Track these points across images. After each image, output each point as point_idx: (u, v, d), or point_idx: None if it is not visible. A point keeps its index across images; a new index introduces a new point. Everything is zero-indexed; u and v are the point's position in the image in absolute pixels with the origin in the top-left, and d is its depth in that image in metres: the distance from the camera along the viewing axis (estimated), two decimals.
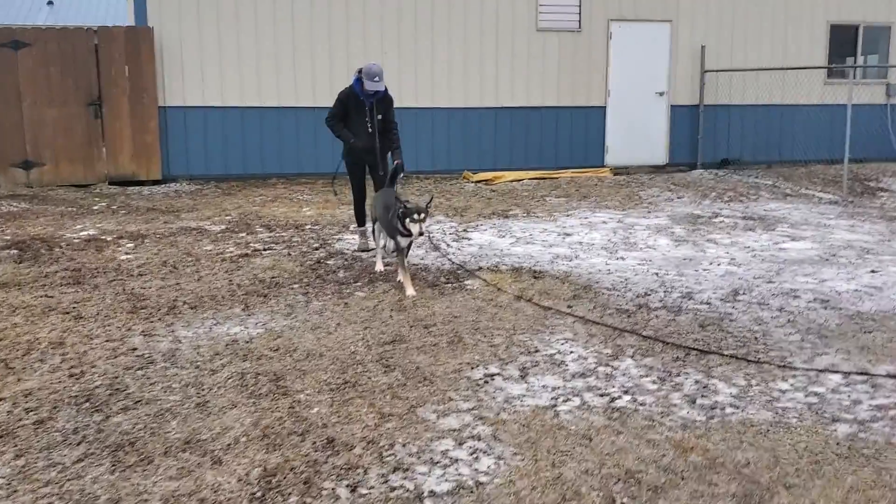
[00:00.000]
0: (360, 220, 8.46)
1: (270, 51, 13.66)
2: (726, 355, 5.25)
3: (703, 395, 4.61)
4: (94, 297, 6.75)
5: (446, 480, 3.64)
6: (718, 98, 15.61)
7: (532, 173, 14.19)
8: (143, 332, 5.89)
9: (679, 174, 15.10)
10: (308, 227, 9.94)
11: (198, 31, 13.34)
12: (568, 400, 4.55)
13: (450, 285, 7.09)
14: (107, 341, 5.62)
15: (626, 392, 4.66)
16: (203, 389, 4.73)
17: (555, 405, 4.48)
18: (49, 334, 5.72)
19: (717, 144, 15.85)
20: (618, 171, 14.97)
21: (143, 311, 6.42)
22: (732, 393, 4.65)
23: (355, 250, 8.34)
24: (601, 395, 4.62)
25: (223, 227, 9.91)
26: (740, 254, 8.42)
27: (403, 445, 3.98)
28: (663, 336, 5.66)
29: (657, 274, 7.53)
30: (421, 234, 6.57)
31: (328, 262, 8.07)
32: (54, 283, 7.20)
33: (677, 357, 5.25)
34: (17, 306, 6.42)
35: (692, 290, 6.94)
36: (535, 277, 7.42)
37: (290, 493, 3.54)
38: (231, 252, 8.53)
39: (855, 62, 16.65)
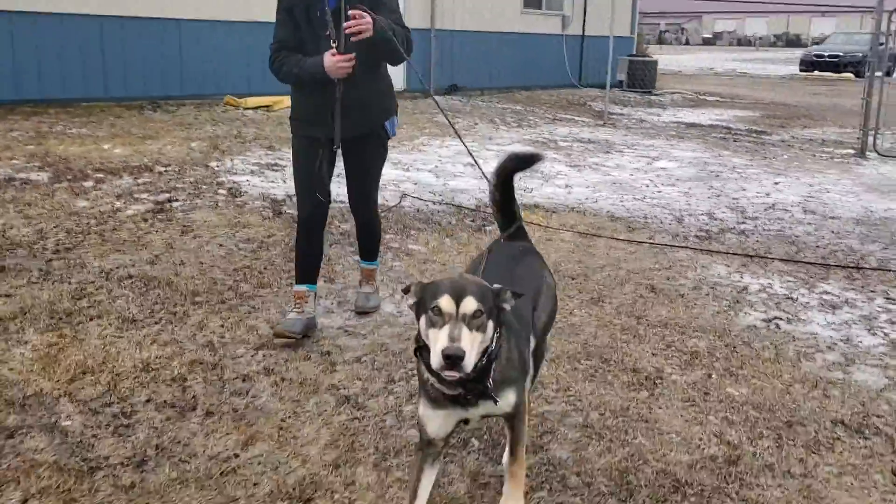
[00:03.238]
0: (302, 271, 4.07)
1: None
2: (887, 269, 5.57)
3: None
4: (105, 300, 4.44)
5: None
6: (445, 23, 15.72)
7: None
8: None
9: (425, 100, 14.96)
10: (159, 170, 7.71)
11: None
12: None
13: (472, 227, 6.24)
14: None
15: None
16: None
17: None
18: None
19: (444, 71, 16.02)
20: None
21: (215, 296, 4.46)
22: None
23: (273, 332, 3.94)
24: None
25: (47, 174, 7.15)
26: (643, 175, 8.84)
27: None
28: (801, 257, 5.76)
29: (643, 199, 7.54)
30: (458, 374, 2.05)
31: (287, 209, 6.42)
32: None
33: (848, 275, 5.42)
34: None
35: (702, 210, 7.12)
36: (552, 212, 6.89)
37: None
38: (132, 208, 6.27)
39: None
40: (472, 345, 2.06)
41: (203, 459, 2.87)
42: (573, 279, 5.08)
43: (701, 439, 3.16)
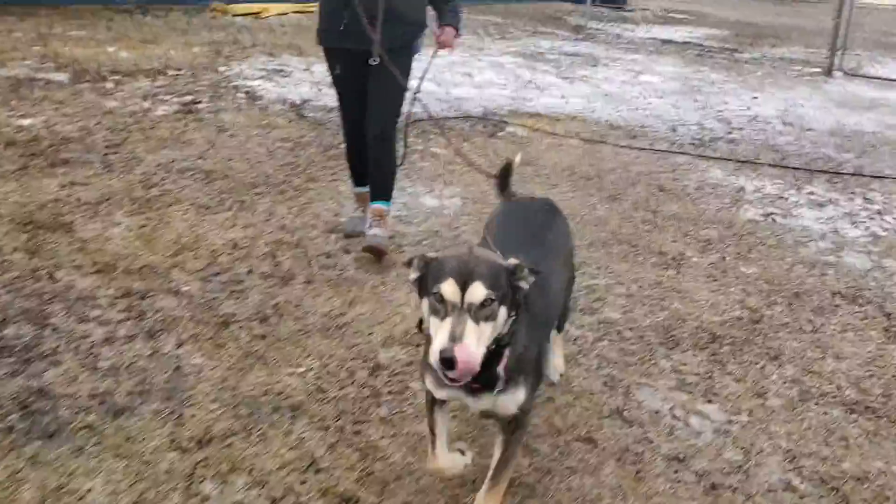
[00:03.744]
0: (358, 175, 4.23)
1: None
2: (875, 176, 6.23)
3: None
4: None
5: None
6: None
7: (285, 6, 12.84)
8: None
9: None
10: (172, 73, 7.93)
11: None
12: None
13: (485, 132, 6.69)
14: None
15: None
16: None
17: None
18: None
19: None
20: None
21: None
22: None
23: (342, 230, 4.26)
24: None
25: (65, 75, 7.34)
26: (631, 88, 9.32)
27: None
28: (787, 163, 6.39)
29: (636, 110, 8.06)
30: (457, 372, 1.74)
31: (308, 112, 6.76)
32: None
33: (829, 180, 6.06)
34: None
35: (692, 121, 7.68)
36: (556, 120, 7.37)
37: None
38: (161, 109, 6.56)
39: None
40: (478, 341, 1.73)
41: (317, 316, 3.37)
42: (589, 180, 5.60)
43: (727, 305, 3.77)
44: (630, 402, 2.92)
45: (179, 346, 3.06)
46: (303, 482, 2.36)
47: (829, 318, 3.69)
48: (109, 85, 7.11)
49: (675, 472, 2.55)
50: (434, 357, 1.72)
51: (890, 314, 3.77)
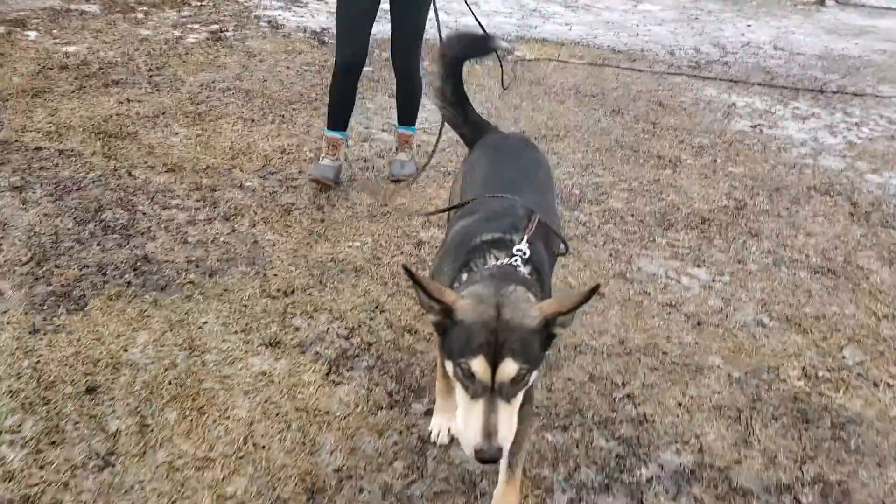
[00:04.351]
0: (335, 116, 4.18)
1: None
2: (849, 93, 6.75)
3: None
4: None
5: None
6: None
7: None
8: None
9: None
10: (196, 4, 8.33)
11: None
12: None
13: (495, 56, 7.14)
14: None
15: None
16: None
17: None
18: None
19: None
20: None
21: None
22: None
23: (309, 176, 4.13)
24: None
25: (97, 6, 7.76)
26: (631, 17, 9.73)
27: None
28: (776, 83, 6.89)
29: (636, 36, 8.51)
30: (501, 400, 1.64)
31: (328, 39, 7.20)
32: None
33: (813, 97, 6.58)
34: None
35: (689, 46, 8.15)
36: (561, 45, 7.83)
37: None
38: (192, 37, 7.02)
39: None
40: (510, 423, 1.64)
41: (363, 206, 3.95)
42: (594, 97, 6.12)
43: (716, 196, 4.34)
44: (631, 267, 3.52)
45: (253, 226, 3.64)
46: (372, 318, 2.97)
47: (803, 206, 4.28)
48: (140, 15, 7.54)
49: (668, 313, 3.16)
50: (468, 451, 1.63)
51: (856, 203, 4.35)
